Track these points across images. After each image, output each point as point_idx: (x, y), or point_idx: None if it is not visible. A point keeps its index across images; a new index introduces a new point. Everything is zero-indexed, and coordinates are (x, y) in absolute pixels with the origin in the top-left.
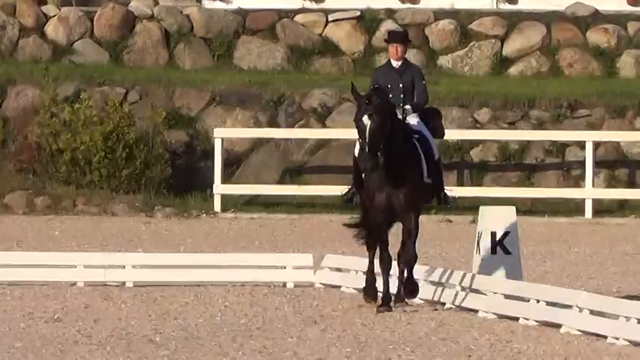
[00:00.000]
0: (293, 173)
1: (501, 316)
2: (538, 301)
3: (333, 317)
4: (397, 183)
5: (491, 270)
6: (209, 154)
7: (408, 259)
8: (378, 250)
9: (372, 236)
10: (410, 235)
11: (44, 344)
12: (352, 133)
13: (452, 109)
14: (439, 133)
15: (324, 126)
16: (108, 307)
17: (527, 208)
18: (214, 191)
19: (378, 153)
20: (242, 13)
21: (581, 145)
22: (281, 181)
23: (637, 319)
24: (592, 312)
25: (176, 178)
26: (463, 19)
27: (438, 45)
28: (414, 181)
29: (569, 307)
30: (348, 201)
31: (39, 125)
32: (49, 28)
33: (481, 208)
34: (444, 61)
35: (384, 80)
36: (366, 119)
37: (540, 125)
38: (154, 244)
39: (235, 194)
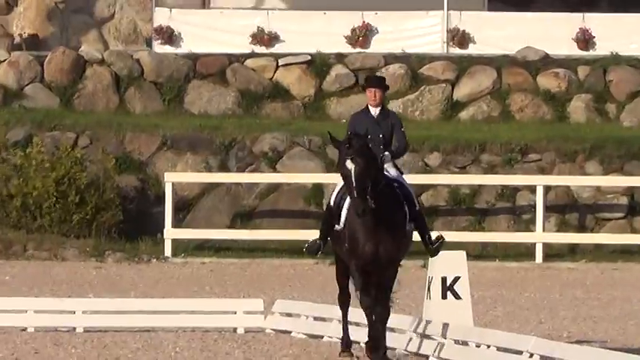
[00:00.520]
0: (244, 217)
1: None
2: (488, 347)
3: None
4: (384, 231)
5: (442, 315)
6: (160, 199)
7: (386, 315)
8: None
9: (355, 285)
10: (386, 288)
11: None
12: (302, 178)
13: None
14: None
15: (274, 170)
16: (58, 353)
17: (477, 253)
18: (165, 236)
19: (367, 197)
20: (192, 58)
21: (532, 189)
22: (232, 226)
23: None
24: (542, 357)
25: (127, 223)
26: (413, 63)
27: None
28: (400, 228)
29: (520, 352)
30: (310, 252)
31: None
32: None
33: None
34: (394, 105)
35: (362, 129)
36: (349, 163)
37: (491, 169)
38: (105, 289)
39: (186, 239)
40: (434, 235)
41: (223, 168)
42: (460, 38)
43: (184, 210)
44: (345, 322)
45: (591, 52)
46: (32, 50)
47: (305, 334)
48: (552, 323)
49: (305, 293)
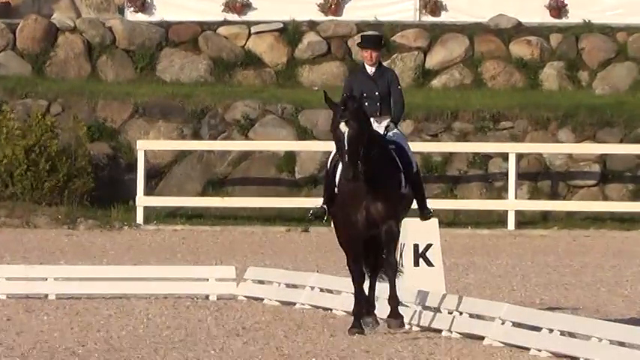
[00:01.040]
0: (216, 185)
1: (424, 329)
2: (461, 313)
3: (255, 329)
4: (375, 194)
5: (415, 282)
6: (132, 166)
7: (390, 268)
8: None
9: (350, 255)
10: (389, 241)
11: None
12: (274, 145)
13: None
14: None
15: (246, 138)
16: (30, 320)
17: (450, 220)
18: (137, 203)
19: (359, 162)
20: (164, 26)
21: (504, 157)
22: (204, 193)
23: (560, 330)
24: (515, 324)
25: (99, 190)
26: (386, 31)
27: (360, 57)
28: (392, 191)
29: (492, 319)
30: (317, 218)
31: None
32: None
33: (404, 220)
34: None
35: (358, 88)
36: (343, 126)
37: (463, 137)
38: (77, 256)
39: (158, 206)
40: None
41: (195, 136)
42: (432, 6)
43: (156, 177)
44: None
45: (564, 20)
46: (4, 18)
47: (277, 301)
48: (524, 290)
49: (277, 260)
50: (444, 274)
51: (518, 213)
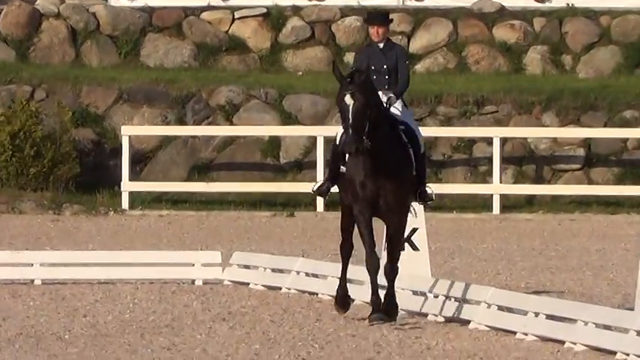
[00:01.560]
0: (201, 170)
1: (410, 313)
2: (446, 297)
3: (241, 314)
4: (384, 175)
5: (400, 267)
6: (117, 152)
7: (392, 272)
8: (349, 256)
9: (353, 233)
10: (394, 241)
11: None
12: (259, 130)
13: None
14: None
15: (231, 123)
16: (16, 305)
17: (435, 205)
18: (122, 188)
19: (363, 136)
20: (148, 11)
21: (489, 141)
22: (189, 179)
23: (545, 314)
24: (500, 308)
25: (84, 176)
26: None
27: (344, 41)
28: (404, 174)
29: (478, 303)
30: (320, 194)
31: None
32: None
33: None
34: (350, 57)
35: (367, 61)
36: (348, 98)
37: (447, 121)
38: (62, 241)
39: (143, 191)
40: (428, 190)
41: (180, 121)
42: None
43: (141, 163)
44: (344, 275)
45: (547, 4)
46: None
47: (263, 286)
48: (510, 274)
49: (263, 245)
50: (429, 258)
51: (503, 197)
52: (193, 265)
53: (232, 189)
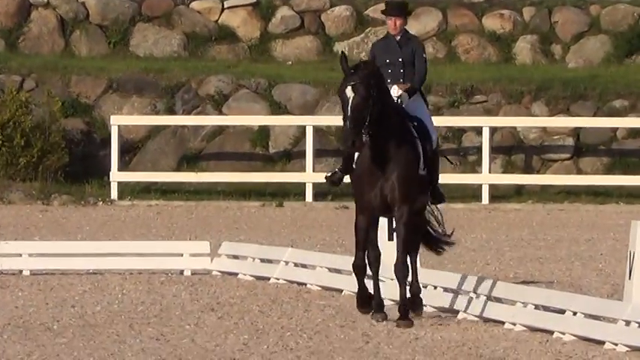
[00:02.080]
0: (190, 160)
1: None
2: (435, 288)
3: (230, 304)
4: (388, 171)
5: (388, 257)
6: (106, 142)
7: (399, 272)
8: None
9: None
10: (399, 238)
11: None
12: (248, 120)
13: None
14: None
15: (220, 113)
16: (5, 296)
17: None
18: (111, 179)
19: (362, 131)
20: (137, 0)
21: (478, 130)
22: (178, 168)
23: (534, 304)
24: (489, 298)
25: (73, 166)
26: (359, 5)
27: (334, 31)
28: (408, 170)
29: (467, 292)
30: (332, 183)
31: None
32: None
33: None
34: (340, 47)
35: (382, 54)
36: (349, 91)
37: (437, 111)
38: (51, 231)
39: (132, 181)
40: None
41: (169, 111)
42: None
43: (130, 153)
44: (375, 279)
45: None
46: None
47: (252, 276)
48: (499, 264)
49: (251, 235)
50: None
51: (492, 187)
52: (182, 255)
53: (221, 179)
